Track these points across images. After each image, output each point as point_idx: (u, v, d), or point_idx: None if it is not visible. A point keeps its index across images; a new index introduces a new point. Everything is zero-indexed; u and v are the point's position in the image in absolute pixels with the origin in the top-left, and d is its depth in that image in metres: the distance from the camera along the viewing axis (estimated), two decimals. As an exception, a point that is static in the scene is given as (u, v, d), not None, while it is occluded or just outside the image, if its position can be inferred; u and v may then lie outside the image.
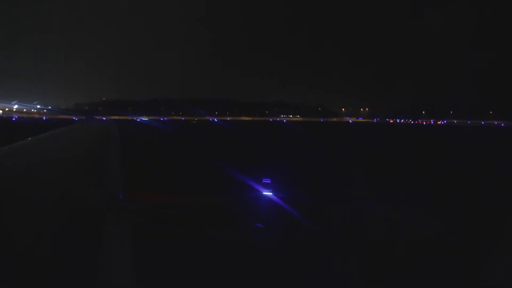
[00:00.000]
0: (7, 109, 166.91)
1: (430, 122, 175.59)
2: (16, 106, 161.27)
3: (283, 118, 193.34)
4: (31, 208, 4.92)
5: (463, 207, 12.15)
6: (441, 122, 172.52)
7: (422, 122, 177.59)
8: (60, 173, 6.67)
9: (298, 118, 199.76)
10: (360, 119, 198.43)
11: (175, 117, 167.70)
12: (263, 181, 13.01)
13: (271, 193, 12.23)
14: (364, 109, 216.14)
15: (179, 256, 7.23)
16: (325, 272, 7.23)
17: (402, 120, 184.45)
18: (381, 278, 7.00)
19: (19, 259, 3.50)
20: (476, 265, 7.36)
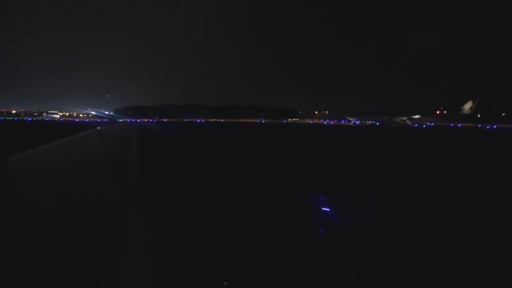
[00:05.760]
0: (80, 115, 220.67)
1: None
2: (93, 112, 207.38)
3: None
4: (55, 205, 4.88)
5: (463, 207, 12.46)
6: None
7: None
8: (83, 170, 6.67)
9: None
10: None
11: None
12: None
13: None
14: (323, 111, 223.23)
15: (197, 248, 7.21)
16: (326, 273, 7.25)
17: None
18: (381, 278, 7.06)
19: (45, 252, 3.50)
20: (477, 265, 7.52)
